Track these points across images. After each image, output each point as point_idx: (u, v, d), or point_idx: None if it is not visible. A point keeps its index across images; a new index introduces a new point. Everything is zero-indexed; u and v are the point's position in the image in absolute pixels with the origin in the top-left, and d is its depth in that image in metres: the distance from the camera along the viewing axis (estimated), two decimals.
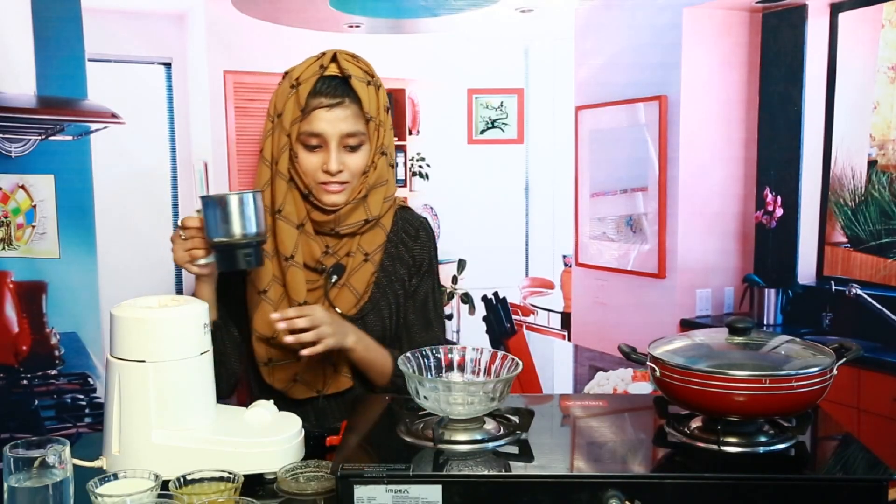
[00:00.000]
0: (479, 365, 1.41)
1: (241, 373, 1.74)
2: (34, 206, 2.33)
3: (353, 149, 1.62)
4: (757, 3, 2.51)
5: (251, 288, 1.67)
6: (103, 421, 1.43)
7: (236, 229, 1.47)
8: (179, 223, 1.53)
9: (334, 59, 1.63)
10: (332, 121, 1.60)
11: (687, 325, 2.58)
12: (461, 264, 2.66)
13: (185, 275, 2.53)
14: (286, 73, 1.68)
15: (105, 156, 2.36)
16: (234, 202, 1.47)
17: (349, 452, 1.23)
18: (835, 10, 2.44)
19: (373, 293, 1.70)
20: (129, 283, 2.35)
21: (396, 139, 2.83)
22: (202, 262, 1.52)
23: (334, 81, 1.62)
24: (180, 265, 1.54)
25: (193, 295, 1.58)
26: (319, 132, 1.60)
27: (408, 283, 1.76)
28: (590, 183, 2.66)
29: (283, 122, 1.62)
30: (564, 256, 2.74)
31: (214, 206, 1.47)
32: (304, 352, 1.52)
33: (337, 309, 1.65)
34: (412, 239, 1.77)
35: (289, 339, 1.51)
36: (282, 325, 1.50)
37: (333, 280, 1.67)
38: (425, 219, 1.84)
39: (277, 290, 1.65)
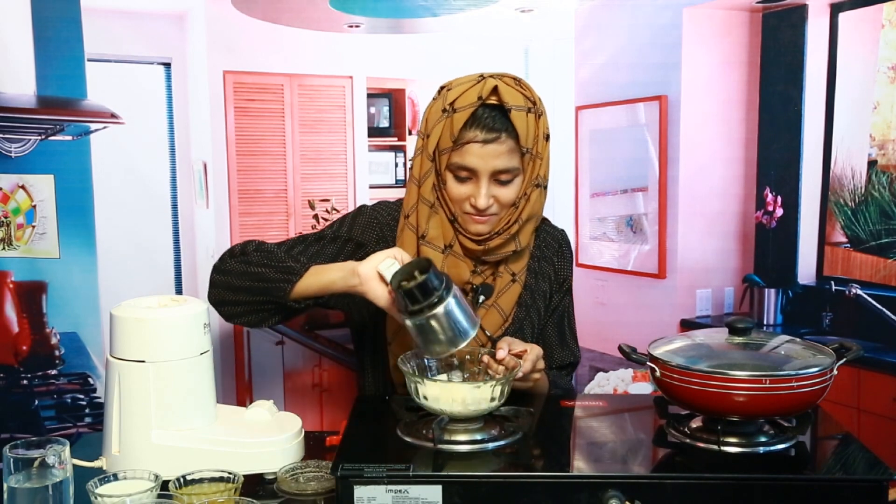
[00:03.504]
0: (479, 365, 1.41)
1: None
2: (34, 206, 2.33)
3: (505, 182, 1.53)
4: (757, 3, 2.51)
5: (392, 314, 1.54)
6: (103, 421, 1.43)
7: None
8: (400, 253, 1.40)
9: (495, 90, 1.50)
10: (485, 157, 1.49)
11: (687, 326, 2.58)
12: None
13: (185, 275, 2.54)
14: (442, 87, 1.57)
15: (105, 156, 2.36)
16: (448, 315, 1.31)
17: (349, 452, 1.23)
18: (835, 10, 2.44)
19: (516, 313, 1.65)
20: (129, 283, 2.34)
21: (396, 139, 2.84)
22: (387, 266, 1.37)
23: (493, 112, 1.50)
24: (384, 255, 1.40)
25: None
26: (471, 167, 1.50)
27: (549, 299, 1.71)
28: (590, 183, 2.66)
29: (429, 146, 1.54)
30: None
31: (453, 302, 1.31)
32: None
33: (486, 332, 1.57)
34: (555, 254, 1.72)
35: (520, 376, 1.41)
36: (527, 366, 1.43)
37: (481, 300, 1.59)
38: (564, 231, 1.78)
39: None
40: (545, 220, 1.75)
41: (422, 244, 1.57)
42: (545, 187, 1.59)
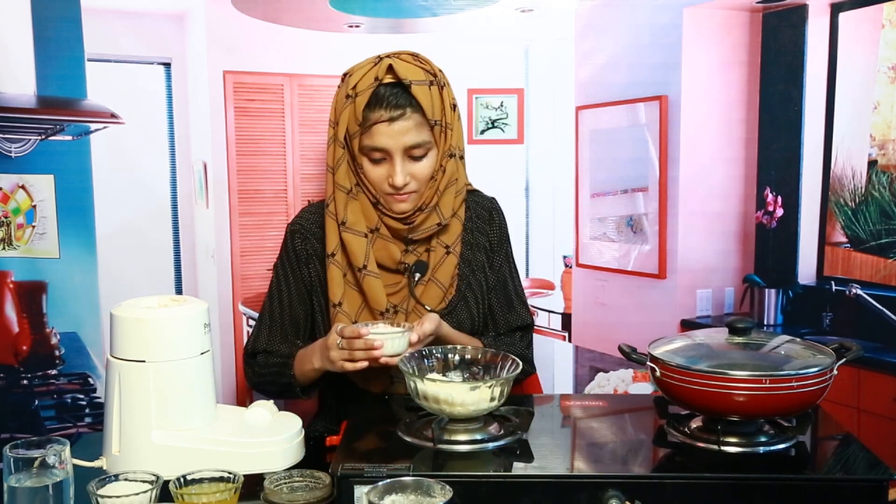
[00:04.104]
0: (479, 365, 1.41)
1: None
2: (34, 206, 2.33)
3: (419, 158, 1.56)
4: (757, 3, 2.51)
5: (328, 301, 1.61)
6: (103, 421, 1.43)
7: None
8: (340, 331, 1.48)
9: (390, 69, 1.53)
10: (394, 135, 1.52)
11: (687, 326, 2.58)
12: None
13: (185, 275, 2.54)
14: (344, 74, 1.60)
15: (105, 156, 2.36)
16: None
17: (349, 452, 1.23)
18: (835, 10, 2.43)
19: (458, 285, 1.66)
20: (129, 283, 2.34)
21: None
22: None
23: (394, 90, 1.53)
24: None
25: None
26: (381, 147, 1.53)
27: (488, 268, 1.73)
28: (590, 183, 2.66)
29: (339, 133, 1.57)
30: (565, 257, 2.74)
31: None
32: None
33: (427, 306, 1.61)
34: (486, 223, 1.74)
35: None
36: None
37: (417, 278, 1.63)
38: (494, 198, 1.80)
39: (354, 302, 1.61)
40: (476, 192, 1.77)
41: (343, 230, 1.59)
42: (461, 157, 1.63)
